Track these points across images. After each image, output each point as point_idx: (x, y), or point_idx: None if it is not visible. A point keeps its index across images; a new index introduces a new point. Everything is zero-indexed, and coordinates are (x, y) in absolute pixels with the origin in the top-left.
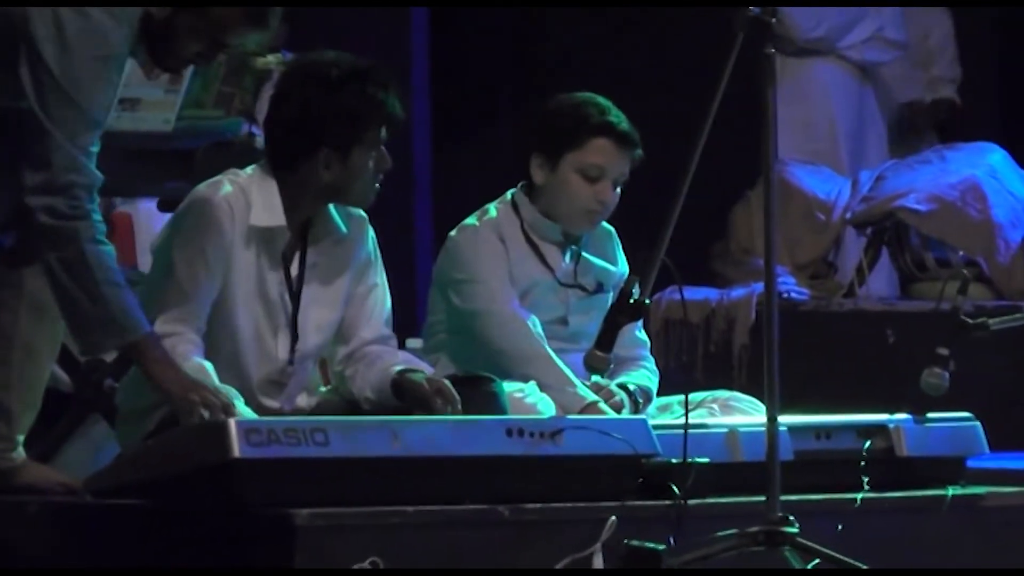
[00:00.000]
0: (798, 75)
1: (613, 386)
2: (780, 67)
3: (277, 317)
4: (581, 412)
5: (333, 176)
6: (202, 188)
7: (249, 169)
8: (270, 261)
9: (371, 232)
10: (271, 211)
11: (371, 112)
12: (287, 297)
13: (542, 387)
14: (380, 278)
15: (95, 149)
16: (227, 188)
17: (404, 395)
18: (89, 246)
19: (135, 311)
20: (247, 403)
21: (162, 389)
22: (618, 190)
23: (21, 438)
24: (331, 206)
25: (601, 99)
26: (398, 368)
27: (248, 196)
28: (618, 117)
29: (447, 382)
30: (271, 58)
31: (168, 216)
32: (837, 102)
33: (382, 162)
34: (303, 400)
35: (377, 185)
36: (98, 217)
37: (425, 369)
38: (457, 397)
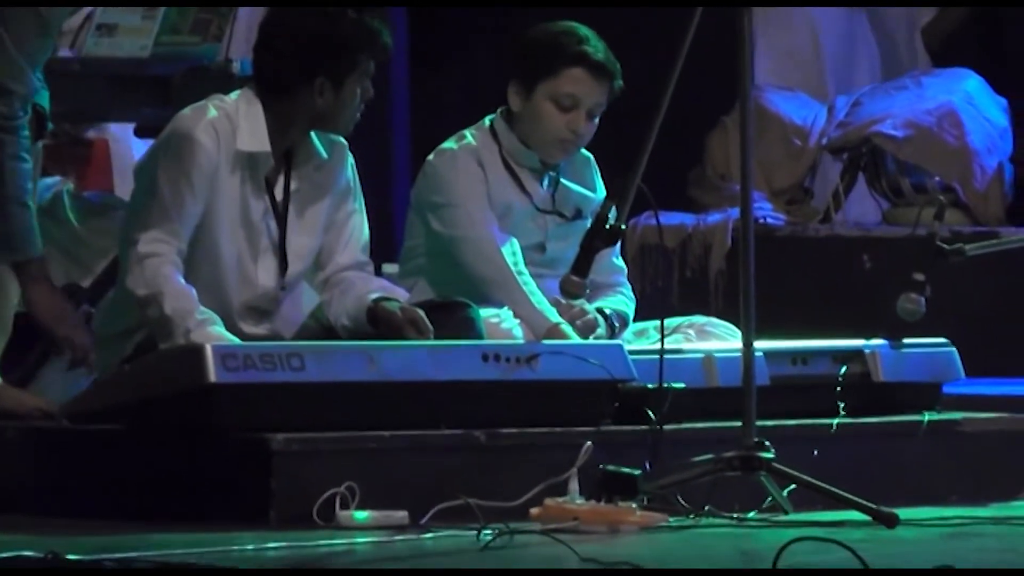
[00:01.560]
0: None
1: (587, 306)
2: None
3: (259, 242)
4: (545, 335)
5: (324, 103)
6: (187, 112)
7: (234, 94)
8: (254, 186)
9: (351, 159)
10: (257, 136)
11: (366, 41)
12: (272, 222)
13: (515, 312)
14: (359, 204)
15: (40, 62)
16: (212, 112)
17: (379, 323)
18: (9, 163)
19: (33, 234)
20: (227, 328)
21: (33, 312)
22: (595, 120)
23: None
24: (312, 133)
25: (582, 29)
26: (373, 296)
27: (233, 121)
28: (595, 47)
29: (421, 312)
30: None
31: (146, 142)
32: (822, 26)
33: (366, 93)
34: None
35: (358, 115)
36: (25, 133)
37: (400, 297)
38: (430, 327)
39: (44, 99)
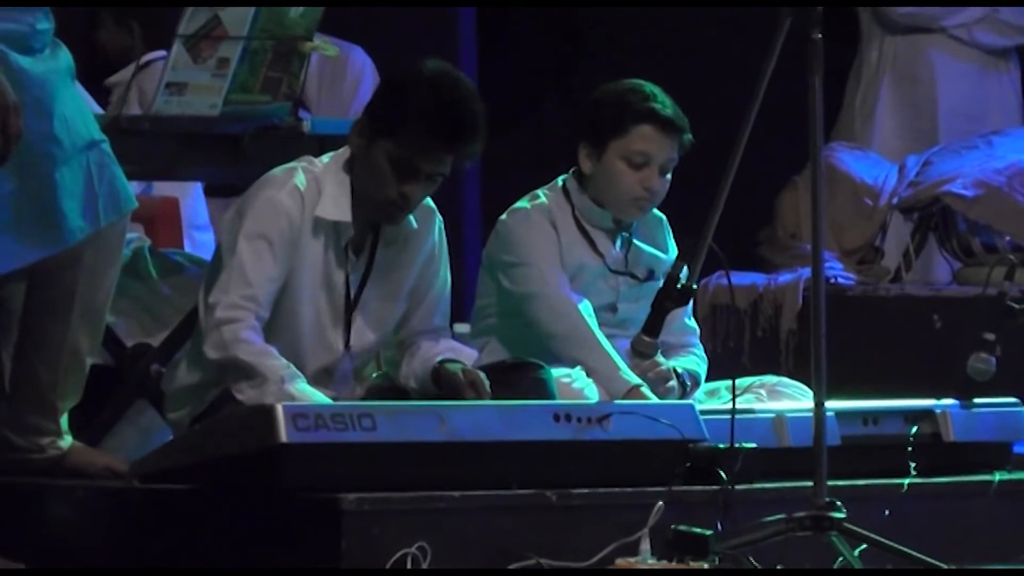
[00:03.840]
0: (910, 55)
1: (660, 358)
2: (892, 48)
3: (340, 308)
4: (625, 396)
5: None
6: (275, 174)
7: (326, 157)
8: (337, 252)
9: (439, 221)
10: (338, 205)
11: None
12: (353, 289)
13: (588, 372)
14: (444, 271)
15: None
16: (300, 176)
17: (441, 385)
18: None
19: None
20: None
21: None
22: (668, 176)
23: (65, 420)
24: None
25: (647, 85)
26: (439, 358)
27: (320, 186)
28: (663, 103)
29: (482, 374)
30: (319, 43)
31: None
32: (942, 83)
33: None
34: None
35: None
36: None
37: (467, 358)
38: (488, 391)
39: None
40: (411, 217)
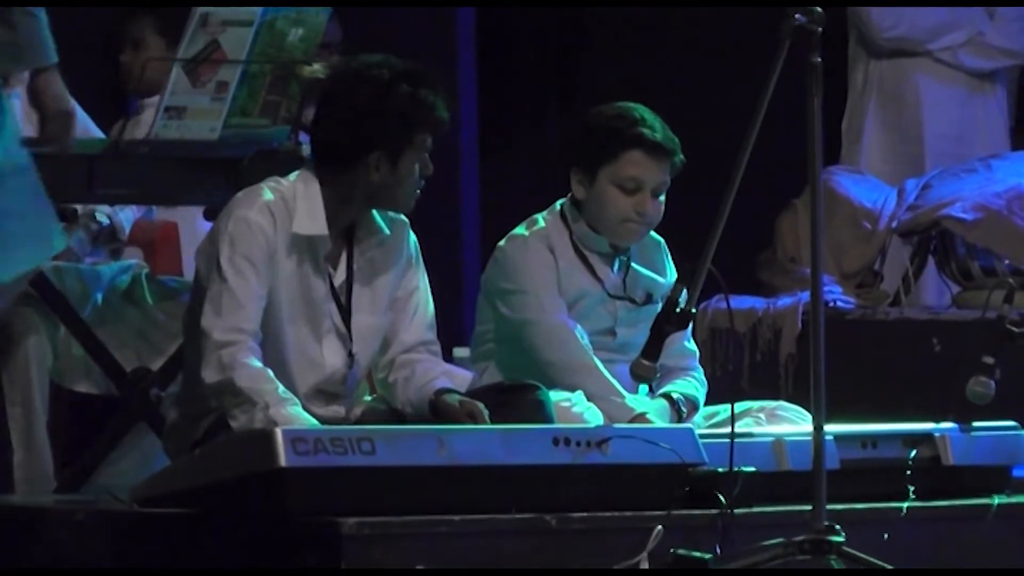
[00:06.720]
0: (896, 78)
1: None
2: (878, 71)
3: (322, 323)
4: (629, 423)
5: (381, 179)
6: (241, 196)
7: (292, 176)
8: (313, 267)
9: (412, 235)
10: (314, 219)
11: (422, 115)
12: (333, 302)
13: (589, 397)
14: (422, 281)
15: None
16: (267, 194)
17: (439, 416)
18: None
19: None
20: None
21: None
22: (661, 198)
23: None
24: (374, 210)
25: (636, 109)
26: (435, 388)
27: (290, 204)
28: (651, 127)
29: (480, 405)
30: (317, 67)
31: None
32: (928, 106)
33: (425, 168)
34: (356, 410)
35: (418, 191)
36: None
37: (462, 381)
38: (487, 420)
39: None
40: (382, 223)
